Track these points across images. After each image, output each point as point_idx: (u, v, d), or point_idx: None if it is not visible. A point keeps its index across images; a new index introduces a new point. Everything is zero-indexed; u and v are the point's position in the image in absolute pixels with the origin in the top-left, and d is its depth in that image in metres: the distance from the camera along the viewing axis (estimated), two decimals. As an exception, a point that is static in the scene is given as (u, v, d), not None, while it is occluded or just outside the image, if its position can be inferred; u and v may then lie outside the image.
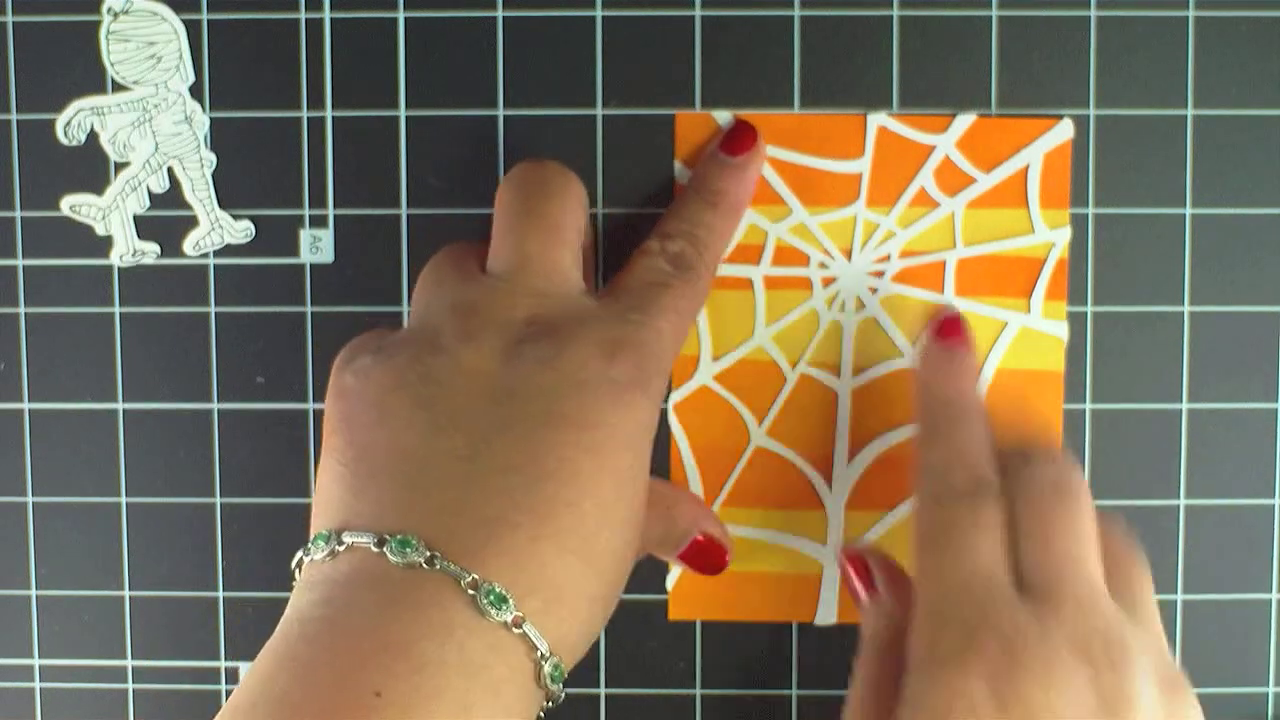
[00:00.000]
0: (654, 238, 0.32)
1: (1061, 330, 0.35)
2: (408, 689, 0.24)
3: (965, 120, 0.34)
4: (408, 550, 0.25)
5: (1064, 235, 0.34)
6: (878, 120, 0.34)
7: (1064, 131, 0.34)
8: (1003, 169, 0.34)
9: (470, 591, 0.25)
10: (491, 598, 0.25)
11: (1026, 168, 0.34)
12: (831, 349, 0.35)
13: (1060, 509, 0.28)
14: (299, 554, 0.28)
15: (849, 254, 0.34)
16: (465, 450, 0.27)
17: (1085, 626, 0.27)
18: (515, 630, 0.26)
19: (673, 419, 0.35)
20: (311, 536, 0.28)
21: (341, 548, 0.26)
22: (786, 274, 0.34)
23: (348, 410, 0.29)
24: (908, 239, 0.34)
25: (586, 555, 0.27)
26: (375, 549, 0.26)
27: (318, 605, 0.26)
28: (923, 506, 0.30)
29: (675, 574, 0.35)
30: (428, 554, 0.25)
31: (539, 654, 0.26)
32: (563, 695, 0.27)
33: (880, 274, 0.34)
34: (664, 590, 0.36)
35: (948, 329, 0.32)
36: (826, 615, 0.35)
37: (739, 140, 0.33)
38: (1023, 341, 0.35)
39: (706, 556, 0.33)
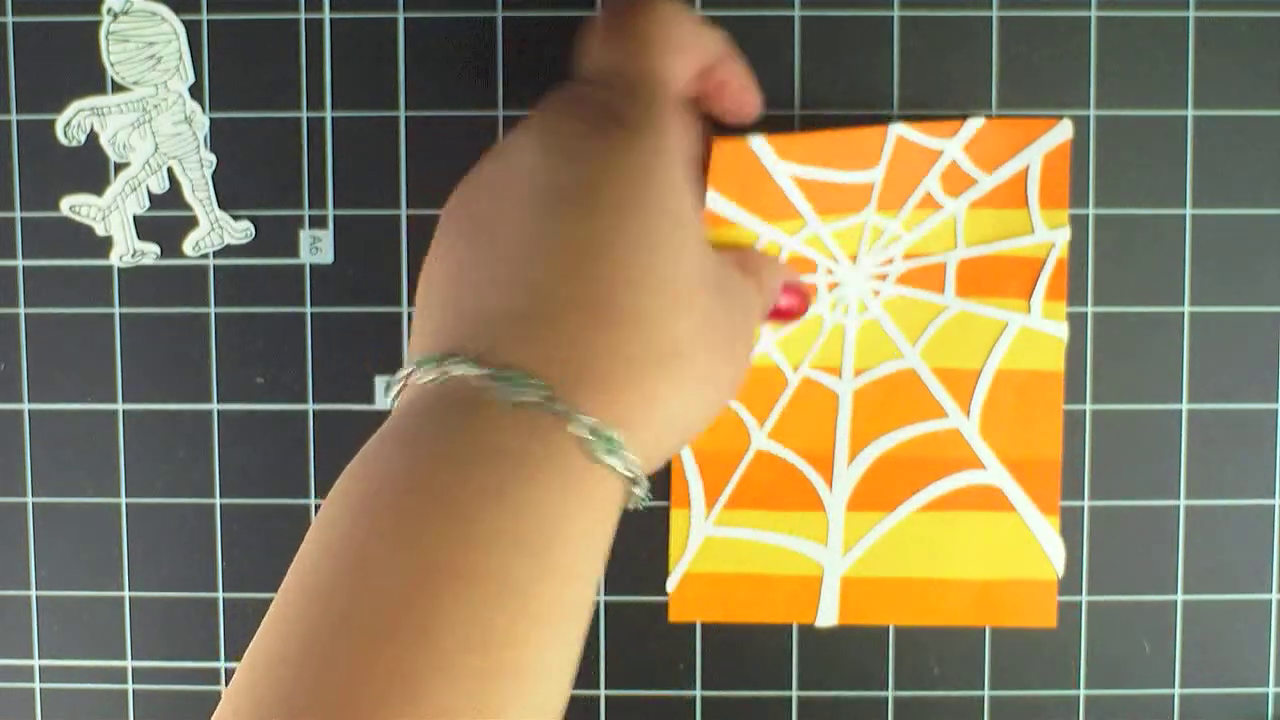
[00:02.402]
0: None
1: (1061, 330, 0.35)
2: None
3: (975, 124, 0.34)
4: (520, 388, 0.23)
5: (1063, 235, 0.34)
6: (896, 131, 0.34)
7: (1063, 132, 0.34)
8: (1004, 170, 0.34)
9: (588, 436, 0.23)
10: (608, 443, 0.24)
11: (1026, 169, 0.34)
12: (834, 351, 0.35)
13: None
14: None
15: (855, 258, 0.34)
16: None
17: None
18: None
19: None
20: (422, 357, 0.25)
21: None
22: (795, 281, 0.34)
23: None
24: (912, 242, 0.34)
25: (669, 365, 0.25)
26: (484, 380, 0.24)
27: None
28: None
29: (676, 577, 0.36)
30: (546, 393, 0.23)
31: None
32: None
33: (884, 276, 0.35)
34: (664, 593, 0.36)
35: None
36: (827, 617, 0.35)
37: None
38: (1023, 341, 0.35)
39: (791, 315, 0.34)
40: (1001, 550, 0.35)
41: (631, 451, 0.24)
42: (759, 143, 0.33)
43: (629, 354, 0.24)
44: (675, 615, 0.36)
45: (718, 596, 0.35)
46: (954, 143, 0.34)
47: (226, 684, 0.36)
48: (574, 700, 0.36)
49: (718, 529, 0.35)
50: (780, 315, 0.33)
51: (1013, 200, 0.34)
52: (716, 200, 0.33)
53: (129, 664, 0.36)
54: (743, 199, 0.33)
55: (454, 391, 0.24)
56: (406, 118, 0.35)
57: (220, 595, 0.36)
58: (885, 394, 0.35)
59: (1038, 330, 0.35)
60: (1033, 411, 0.35)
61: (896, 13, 0.35)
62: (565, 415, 0.23)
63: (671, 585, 0.36)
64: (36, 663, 0.37)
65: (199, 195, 0.36)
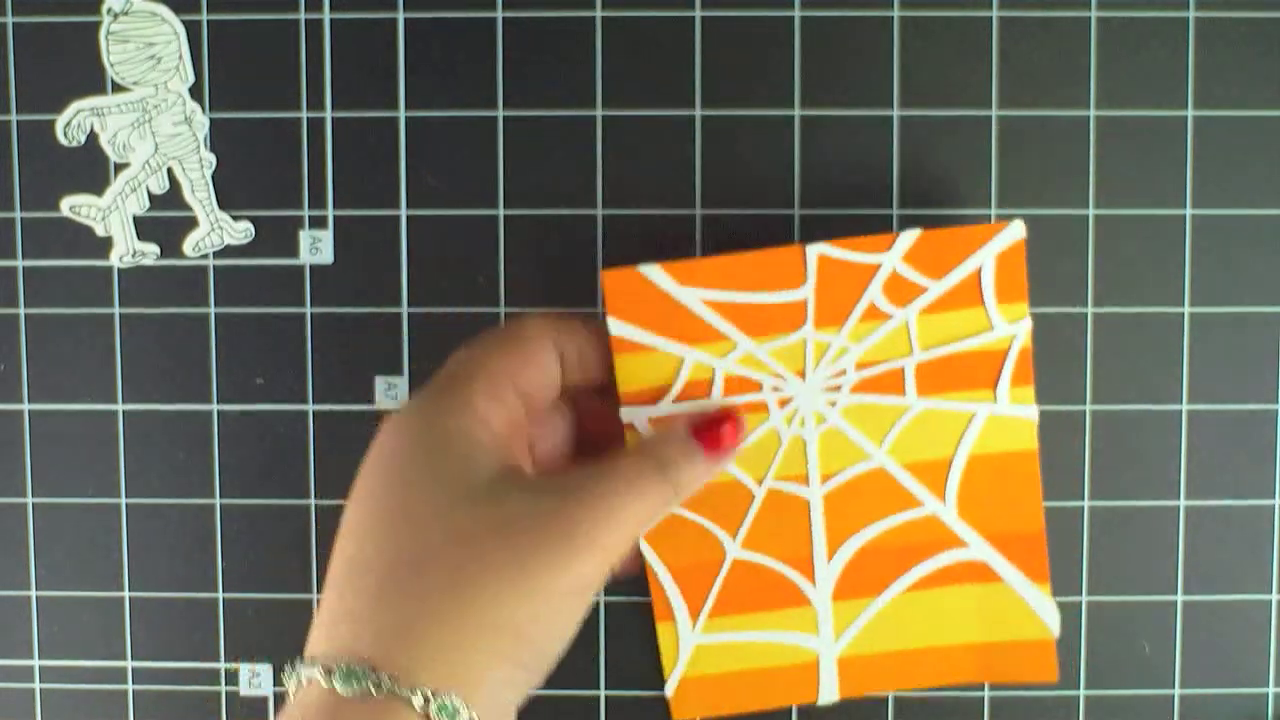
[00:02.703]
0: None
1: (1031, 413, 0.33)
2: None
3: (910, 236, 0.32)
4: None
5: (1024, 326, 0.33)
6: (817, 250, 0.32)
7: (1015, 233, 0.32)
8: (954, 275, 0.32)
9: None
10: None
11: (979, 270, 0.32)
12: (796, 461, 0.33)
13: None
14: None
15: (802, 374, 0.33)
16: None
17: None
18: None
19: (644, 545, 0.33)
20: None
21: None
22: (739, 401, 0.33)
23: None
24: (862, 352, 0.33)
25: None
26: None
27: None
28: None
29: (673, 683, 0.35)
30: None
31: None
32: None
33: (837, 388, 0.33)
34: (663, 694, 0.35)
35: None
36: (829, 695, 0.35)
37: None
38: (992, 428, 0.33)
39: (717, 439, 0.32)
40: (995, 617, 0.34)
41: (472, 704, 0.26)
42: (654, 271, 0.32)
43: (426, 612, 0.27)
44: (678, 714, 0.35)
45: (717, 694, 0.35)
46: (890, 255, 0.32)
47: (226, 684, 0.36)
48: (574, 700, 0.36)
49: (706, 636, 0.34)
50: (715, 453, 0.31)
51: (967, 301, 0.32)
52: (623, 328, 0.32)
53: (129, 664, 0.36)
54: (653, 325, 0.32)
55: (319, 697, 0.26)
56: (406, 118, 0.35)
57: (220, 595, 0.36)
58: (857, 494, 0.33)
59: (1007, 416, 0.33)
60: (1011, 490, 0.34)
61: (896, 13, 0.35)
62: (401, 696, 0.26)
63: (669, 691, 0.35)
64: (36, 663, 0.37)
65: (199, 195, 0.36)
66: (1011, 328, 0.33)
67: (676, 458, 0.30)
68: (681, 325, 0.32)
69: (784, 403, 0.33)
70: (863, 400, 0.33)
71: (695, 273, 0.32)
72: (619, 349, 0.32)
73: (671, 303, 0.32)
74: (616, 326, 0.32)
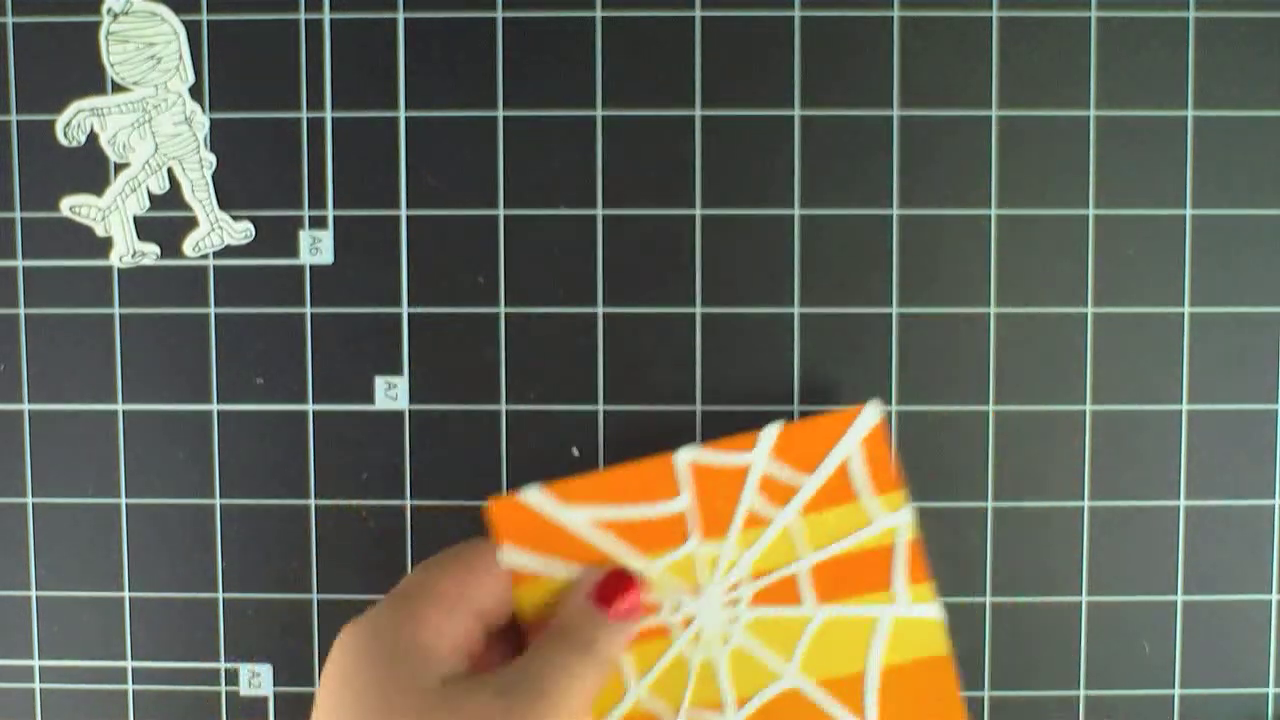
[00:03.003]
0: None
1: (934, 612, 0.33)
2: None
3: (772, 431, 0.33)
4: None
5: (904, 517, 0.33)
6: (686, 458, 0.32)
7: (871, 417, 0.33)
8: (824, 468, 0.33)
9: None
10: None
11: (848, 460, 0.33)
12: (709, 687, 0.33)
13: None
14: None
15: (698, 590, 0.33)
16: None
17: None
18: None
19: None
20: None
21: None
22: (643, 626, 0.32)
23: None
24: (753, 560, 0.33)
25: None
26: None
27: None
28: None
29: None
30: None
31: None
32: None
33: (736, 601, 0.33)
34: None
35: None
36: None
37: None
38: (899, 633, 0.33)
39: (616, 595, 0.32)
40: None
41: None
42: (535, 495, 0.32)
43: None
44: None
45: None
46: (758, 454, 0.33)
47: (226, 684, 0.36)
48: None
49: None
50: (620, 617, 0.31)
51: (843, 496, 0.33)
52: (518, 556, 0.32)
53: (129, 664, 0.36)
54: (546, 550, 0.32)
55: None
56: (406, 118, 0.35)
57: (220, 595, 0.36)
58: (777, 715, 0.33)
59: (911, 618, 0.33)
60: (929, 702, 0.33)
61: (896, 13, 0.35)
62: None
63: None
64: (36, 663, 0.37)
65: (199, 195, 0.36)
66: (891, 519, 0.33)
67: (593, 634, 0.31)
68: (573, 549, 0.32)
69: (687, 622, 0.33)
70: (764, 614, 0.33)
71: (576, 491, 0.32)
72: (518, 581, 0.32)
73: (559, 529, 0.32)
74: (510, 556, 0.32)
